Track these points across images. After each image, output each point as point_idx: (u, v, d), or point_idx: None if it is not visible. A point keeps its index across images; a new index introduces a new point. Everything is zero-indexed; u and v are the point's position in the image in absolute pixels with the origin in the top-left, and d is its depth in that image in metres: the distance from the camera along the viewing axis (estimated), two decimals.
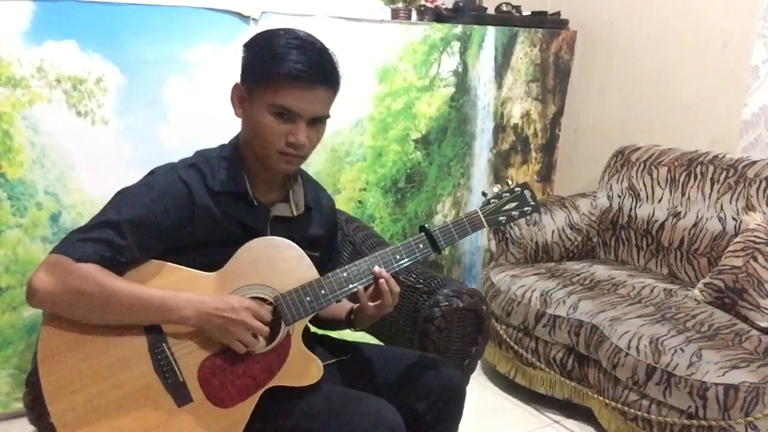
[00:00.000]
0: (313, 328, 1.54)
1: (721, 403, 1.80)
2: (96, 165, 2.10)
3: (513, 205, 1.43)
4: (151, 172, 1.33)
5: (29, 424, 1.49)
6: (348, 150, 2.59)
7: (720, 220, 2.36)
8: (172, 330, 1.25)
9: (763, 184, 2.28)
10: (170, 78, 2.17)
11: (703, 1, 2.63)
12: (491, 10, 2.98)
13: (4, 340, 2.08)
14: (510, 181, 1.47)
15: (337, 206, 1.67)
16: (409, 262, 1.36)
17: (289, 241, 1.33)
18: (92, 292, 1.17)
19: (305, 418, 1.30)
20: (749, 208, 2.29)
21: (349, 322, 1.47)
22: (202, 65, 2.20)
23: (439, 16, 2.79)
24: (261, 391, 1.29)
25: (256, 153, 1.32)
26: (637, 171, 2.66)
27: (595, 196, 2.79)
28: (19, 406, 2.03)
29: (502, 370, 2.47)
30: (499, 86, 2.94)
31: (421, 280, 1.74)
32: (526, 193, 1.45)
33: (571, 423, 2.30)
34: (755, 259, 2.09)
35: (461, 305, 1.66)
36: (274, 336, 1.30)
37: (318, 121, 1.31)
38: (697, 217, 2.43)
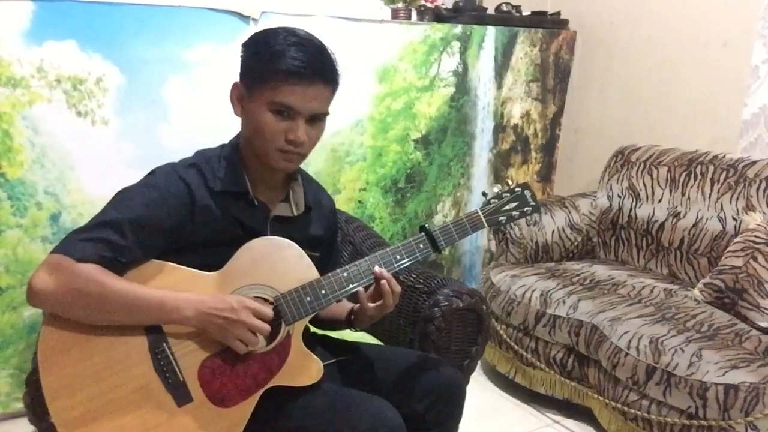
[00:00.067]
0: (313, 328, 1.54)
1: (721, 403, 1.80)
2: (96, 165, 2.10)
3: (513, 205, 1.43)
4: (152, 172, 1.33)
5: (29, 424, 1.48)
6: (348, 150, 2.59)
7: (720, 220, 2.36)
8: (173, 330, 1.25)
9: (763, 184, 2.28)
10: (170, 78, 2.17)
11: (703, 1, 2.63)
12: (491, 10, 2.98)
13: (4, 340, 2.08)
14: (510, 181, 1.47)
15: (337, 206, 1.67)
16: (409, 262, 1.36)
17: (290, 241, 1.33)
18: (92, 292, 1.17)
19: (305, 418, 1.30)
20: (749, 208, 2.29)
21: (349, 322, 1.47)
22: (202, 65, 2.21)
23: (439, 16, 2.79)
24: (261, 391, 1.29)
25: (256, 151, 1.32)
26: (637, 171, 2.66)
27: (595, 196, 2.79)
28: (19, 406, 2.03)
29: (502, 370, 2.47)
30: (499, 86, 2.94)
31: (421, 280, 1.74)
32: (527, 193, 1.45)
33: (571, 423, 2.30)
34: (755, 259, 2.09)
35: (461, 305, 1.67)
36: (274, 336, 1.30)
37: (317, 119, 1.31)
38: (697, 217, 2.43)
